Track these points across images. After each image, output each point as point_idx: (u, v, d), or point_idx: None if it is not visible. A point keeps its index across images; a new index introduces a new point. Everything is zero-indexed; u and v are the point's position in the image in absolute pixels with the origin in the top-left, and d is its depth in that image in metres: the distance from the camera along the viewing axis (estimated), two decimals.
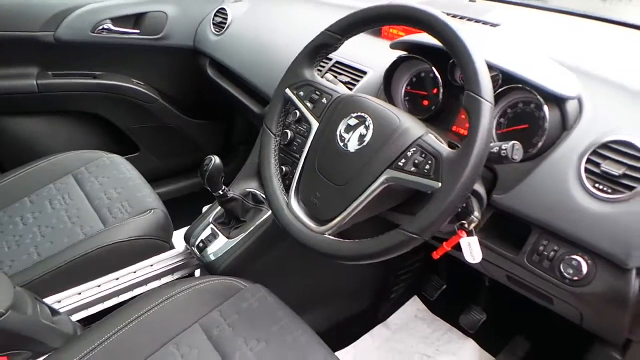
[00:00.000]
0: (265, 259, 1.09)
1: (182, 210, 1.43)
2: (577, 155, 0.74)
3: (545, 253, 0.76)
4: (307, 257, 1.21)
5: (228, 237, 1.08)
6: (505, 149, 0.65)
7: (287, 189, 0.80)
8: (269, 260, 1.11)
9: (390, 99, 0.99)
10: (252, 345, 0.82)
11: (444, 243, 0.70)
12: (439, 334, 1.37)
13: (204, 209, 1.20)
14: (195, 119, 1.79)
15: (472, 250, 0.70)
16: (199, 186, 1.20)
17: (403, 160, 0.67)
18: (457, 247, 0.71)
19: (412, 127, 0.69)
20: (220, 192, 1.04)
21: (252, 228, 1.08)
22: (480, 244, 0.87)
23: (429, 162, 0.64)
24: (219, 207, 1.14)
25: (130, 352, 0.82)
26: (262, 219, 1.08)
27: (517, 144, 0.67)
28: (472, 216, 0.68)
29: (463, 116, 0.89)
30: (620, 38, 1.07)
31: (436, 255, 0.72)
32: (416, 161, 0.66)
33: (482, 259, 0.93)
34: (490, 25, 1.13)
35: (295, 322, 0.88)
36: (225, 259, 1.06)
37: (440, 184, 0.62)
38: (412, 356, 1.31)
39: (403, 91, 1.00)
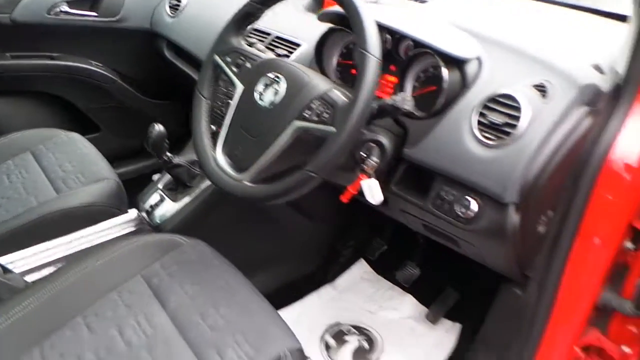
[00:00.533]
0: (210, 221, 1.17)
1: (143, 189, 1.50)
2: (471, 109, 0.84)
3: (446, 197, 0.86)
4: (251, 220, 1.30)
5: (174, 201, 1.16)
6: (396, 101, 0.74)
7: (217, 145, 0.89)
8: (214, 223, 1.19)
9: (322, 69, 1.08)
10: (186, 288, 0.90)
11: (349, 187, 0.79)
12: (382, 292, 1.47)
13: (154, 177, 1.27)
14: (154, 100, 1.85)
15: (372, 192, 0.79)
16: (160, 165, 1.28)
17: (308, 112, 0.75)
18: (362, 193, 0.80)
19: (319, 83, 0.78)
20: (165, 158, 1.12)
21: (196, 192, 1.16)
22: (397, 195, 0.97)
23: (328, 111, 0.73)
24: (168, 175, 1.22)
25: (74, 301, 0.88)
26: (206, 184, 1.16)
27: (407, 96, 0.76)
28: (371, 160, 0.77)
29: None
30: (539, 13, 1.18)
31: (344, 198, 0.81)
32: (318, 112, 0.74)
33: (401, 210, 1.03)
34: (419, 2, 1.22)
35: (231, 271, 0.96)
36: (171, 222, 1.14)
37: (333, 129, 0.71)
38: (356, 313, 1.41)
39: (335, 62, 1.08)
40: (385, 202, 1.04)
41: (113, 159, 1.43)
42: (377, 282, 1.52)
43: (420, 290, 1.42)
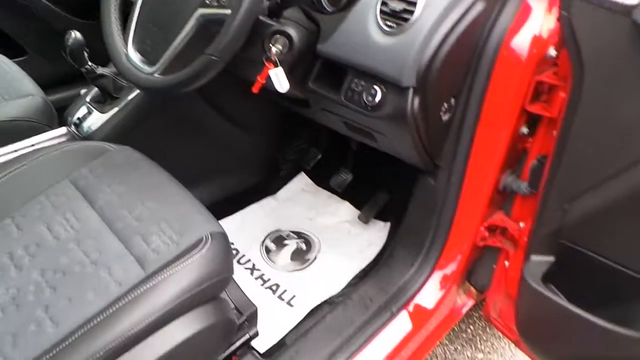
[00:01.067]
0: (139, 132, 1.18)
1: None
2: (375, 0, 0.87)
3: (356, 89, 0.90)
4: (184, 131, 1.32)
5: (102, 113, 1.16)
6: None
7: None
8: (145, 133, 1.20)
9: None
10: (114, 187, 0.93)
11: (258, 77, 0.83)
12: (321, 201, 1.55)
13: (82, 91, 1.26)
14: (81, 19, 1.77)
15: (279, 80, 0.82)
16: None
17: None
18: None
19: None
20: (87, 68, 1.10)
21: (124, 102, 1.16)
22: (314, 92, 1.01)
23: None
24: (95, 88, 1.21)
25: (1, 205, 0.90)
26: (134, 94, 1.16)
27: None
28: (275, 47, 0.80)
29: None
30: None
31: (254, 89, 0.85)
32: None
33: (322, 109, 1.07)
34: None
35: (159, 171, 0.99)
36: (100, 132, 1.15)
37: (229, 11, 0.73)
38: (295, 220, 1.49)
39: None
40: (307, 103, 1.08)
41: (46, 85, 1.39)
42: (317, 192, 1.59)
43: (354, 195, 1.50)
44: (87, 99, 1.20)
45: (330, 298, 1.24)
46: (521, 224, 1.03)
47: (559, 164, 0.79)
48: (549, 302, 0.80)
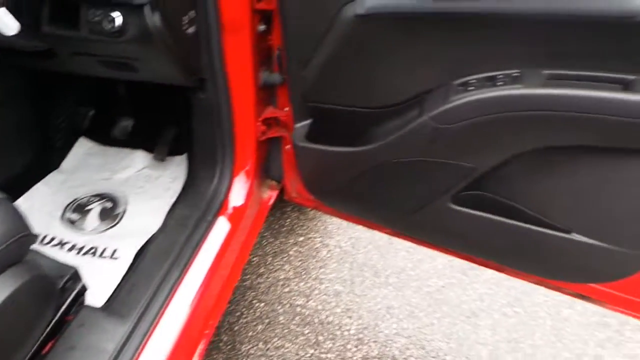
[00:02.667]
0: None
1: None
2: None
3: (94, 20, 0.91)
4: None
5: None
6: None
7: None
8: None
9: None
10: None
11: None
12: (112, 158, 1.52)
13: None
14: None
15: (4, 21, 0.79)
16: None
17: None
18: None
19: None
20: None
21: None
22: (51, 36, 0.97)
23: None
24: None
25: None
26: None
27: None
28: None
29: None
30: None
31: None
32: None
33: (73, 54, 1.04)
34: None
35: None
36: None
37: None
38: (91, 185, 1.44)
39: None
40: (50, 53, 1.04)
41: None
42: (104, 152, 1.55)
43: (143, 140, 1.52)
44: None
45: (151, 237, 1.29)
46: (286, 109, 1.22)
47: (287, 44, 0.97)
48: (315, 152, 1.01)
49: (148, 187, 1.45)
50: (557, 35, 0.75)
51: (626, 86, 0.74)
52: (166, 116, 1.51)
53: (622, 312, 1.14)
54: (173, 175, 1.48)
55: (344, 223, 1.82)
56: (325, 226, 1.83)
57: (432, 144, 0.88)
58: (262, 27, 1.12)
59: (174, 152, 1.52)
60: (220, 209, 1.23)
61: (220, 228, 1.20)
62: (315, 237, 1.80)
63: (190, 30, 1.03)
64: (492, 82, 0.82)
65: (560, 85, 0.76)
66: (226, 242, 1.19)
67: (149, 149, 1.53)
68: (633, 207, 0.84)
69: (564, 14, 0.70)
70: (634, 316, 1.13)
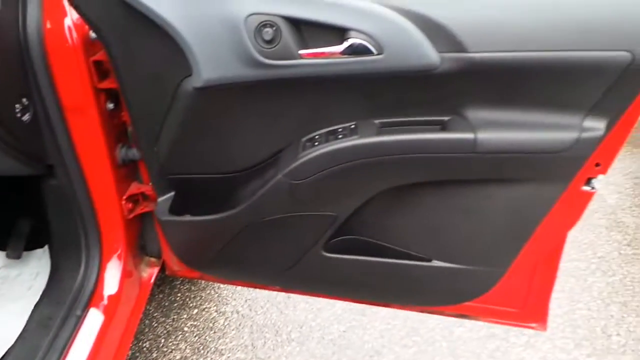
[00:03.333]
0: None
1: None
2: None
3: None
4: None
5: None
6: None
7: None
8: None
9: None
10: None
11: None
12: None
13: None
14: None
15: None
16: None
17: None
18: None
19: None
20: None
21: None
22: None
23: None
24: None
25: None
26: None
27: None
28: None
29: None
30: None
31: None
32: None
33: None
34: None
35: None
36: None
37: None
38: None
39: None
40: None
41: None
42: None
43: None
44: None
45: (9, 349, 1.13)
46: (151, 184, 1.18)
47: (134, 121, 0.95)
48: (181, 224, 0.98)
49: (5, 291, 1.29)
50: (381, 90, 0.84)
51: (443, 126, 0.84)
52: (18, 208, 1.37)
53: (496, 322, 1.25)
54: (35, 271, 1.33)
55: (238, 287, 1.78)
56: (219, 293, 1.76)
57: (291, 199, 0.91)
58: (110, 105, 1.09)
59: (33, 245, 1.38)
60: (90, 300, 1.13)
61: (92, 322, 1.10)
62: (210, 307, 1.72)
63: (26, 117, 0.97)
64: (334, 135, 0.88)
65: (390, 132, 0.84)
66: (100, 337, 1.09)
67: (2, 246, 1.37)
68: (475, 230, 0.93)
69: (381, 72, 0.79)
70: (506, 323, 1.24)
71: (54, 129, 1.03)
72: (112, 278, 1.20)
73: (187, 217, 0.99)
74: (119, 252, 1.22)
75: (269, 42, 0.78)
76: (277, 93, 0.86)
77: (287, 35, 0.78)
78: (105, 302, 1.15)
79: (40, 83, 0.97)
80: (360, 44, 0.77)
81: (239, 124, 0.89)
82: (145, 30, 0.81)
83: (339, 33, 0.77)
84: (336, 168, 0.86)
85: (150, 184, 1.18)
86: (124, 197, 1.19)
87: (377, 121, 0.86)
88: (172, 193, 1.02)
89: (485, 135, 0.80)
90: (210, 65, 0.80)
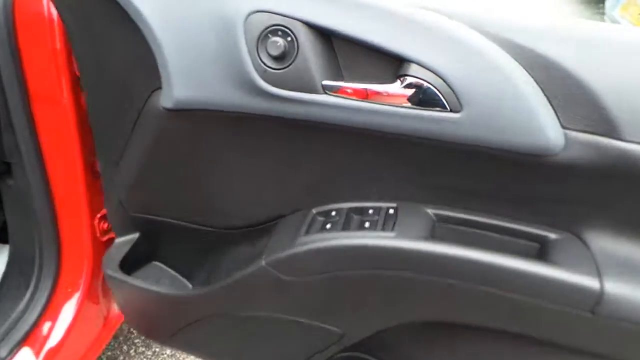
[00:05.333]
0: None
1: None
2: None
3: None
4: None
5: None
6: None
7: None
8: None
9: None
10: None
11: None
12: None
13: None
14: None
15: None
16: None
17: None
18: None
19: None
20: None
21: None
22: None
23: None
24: None
25: None
26: None
27: None
28: None
29: None
30: None
31: None
32: None
33: None
34: None
35: None
36: None
37: None
38: None
39: None
40: None
41: None
42: None
43: None
44: None
45: None
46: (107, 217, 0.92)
47: (95, 132, 0.70)
48: (132, 288, 0.70)
49: None
50: (447, 165, 0.51)
51: (543, 247, 0.49)
52: None
53: None
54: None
55: None
56: None
57: (278, 296, 0.60)
58: None
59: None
60: (26, 338, 0.89)
61: None
62: None
63: None
64: (360, 215, 0.56)
65: (454, 236, 0.51)
66: None
67: None
68: None
69: (457, 140, 0.46)
70: None
71: (12, 121, 0.80)
72: (65, 310, 0.95)
73: (139, 282, 0.70)
74: (82, 278, 0.97)
75: (277, 58, 0.48)
76: (283, 134, 0.55)
77: (309, 51, 0.47)
78: (46, 342, 0.91)
79: (1, 62, 0.74)
80: (428, 89, 0.45)
81: (223, 166, 0.59)
82: (113, 17, 0.55)
83: (389, 62, 0.46)
84: (355, 273, 0.54)
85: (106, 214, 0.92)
86: (98, 215, 0.94)
87: (431, 211, 0.53)
88: (136, 235, 0.75)
89: (618, 289, 0.44)
90: (187, 79, 0.52)
